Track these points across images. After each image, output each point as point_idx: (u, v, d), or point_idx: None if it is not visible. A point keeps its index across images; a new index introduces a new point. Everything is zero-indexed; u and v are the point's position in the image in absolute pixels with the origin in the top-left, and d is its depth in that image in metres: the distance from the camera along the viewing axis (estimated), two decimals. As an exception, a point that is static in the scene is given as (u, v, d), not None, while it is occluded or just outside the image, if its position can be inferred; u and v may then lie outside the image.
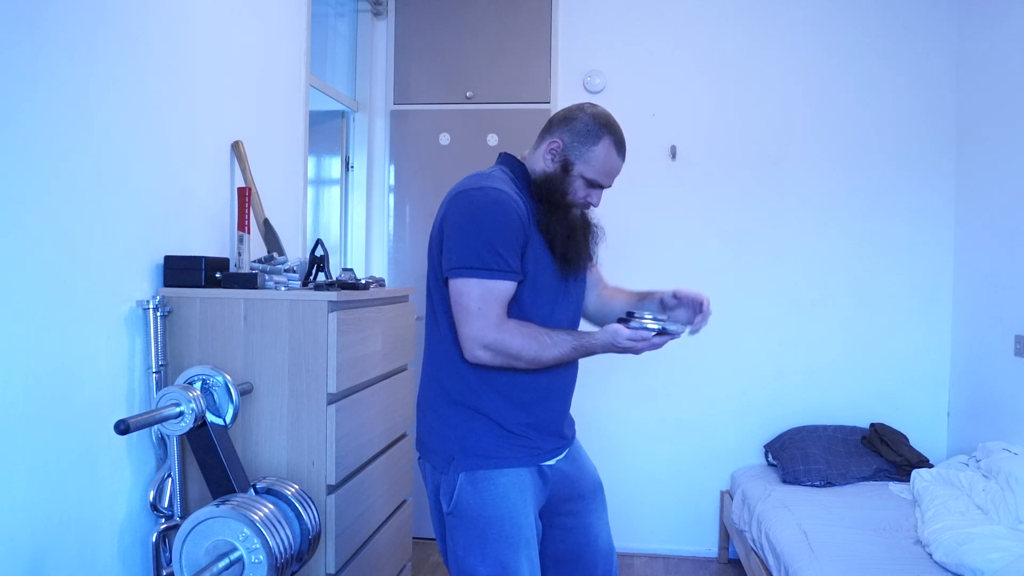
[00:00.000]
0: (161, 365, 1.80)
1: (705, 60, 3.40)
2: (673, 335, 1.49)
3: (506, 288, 1.53)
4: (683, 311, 1.67)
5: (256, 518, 1.52)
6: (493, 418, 1.59)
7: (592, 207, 1.64)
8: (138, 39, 1.78)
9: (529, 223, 1.56)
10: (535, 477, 1.63)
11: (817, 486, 2.99)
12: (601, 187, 1.62)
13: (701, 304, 1.63)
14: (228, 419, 1.67)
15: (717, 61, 3.40)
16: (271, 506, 1.59)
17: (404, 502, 2.42)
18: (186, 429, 1.58)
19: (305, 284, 2.14)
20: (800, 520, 2.59)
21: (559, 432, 1.68)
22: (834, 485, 3.00)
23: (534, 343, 1.53)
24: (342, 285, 1.98)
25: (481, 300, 1.51)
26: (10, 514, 1.45)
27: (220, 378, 1.67)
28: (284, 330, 1.81)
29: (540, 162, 1.62)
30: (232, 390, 1.67)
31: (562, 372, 1.66)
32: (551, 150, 1.60)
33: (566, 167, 1.59)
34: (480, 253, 1.50)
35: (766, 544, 2.59)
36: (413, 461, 2.49)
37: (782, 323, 3.40)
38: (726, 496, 3.32)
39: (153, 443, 1.83)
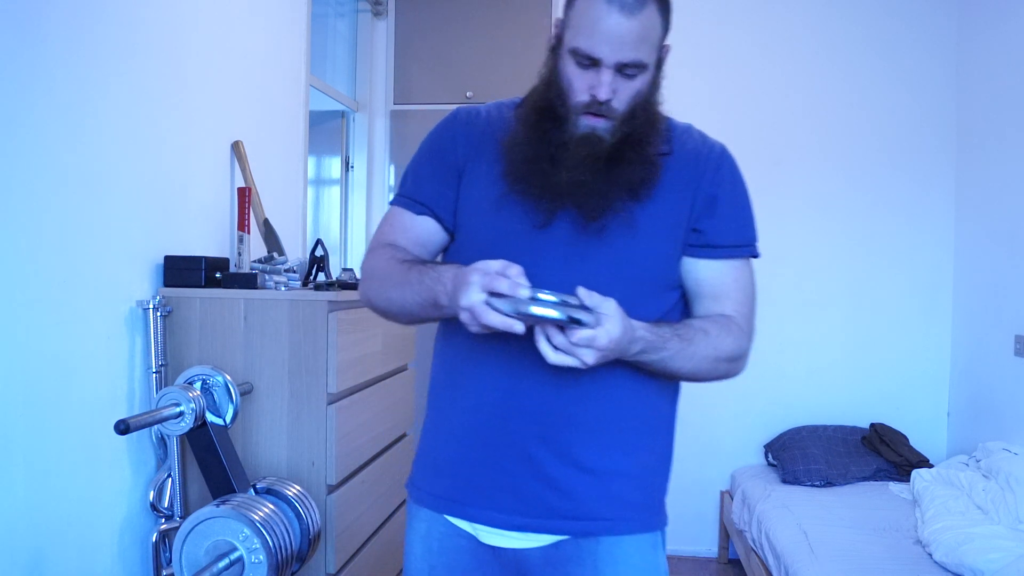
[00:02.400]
0: (161, 365, 1.80)
1: (704, 60, 3.40)
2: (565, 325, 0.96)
3: (399, 216, 1.19)
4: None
5: (256, 518, 1.52)
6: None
7: (598, 101, 1.05)
8: (138, 39, 1.78)
9: (485, 141, 1.16)
10: (457, 545, 1.16)
11: (817, 486, 2.99)
12: (596, 62, 1.04)
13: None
14: (228, 419, 1.67)
15: (716, 61, 3.40)
16: (271, 506, 1.59)
17: (404, 502, 2.42)
18: (186, 429, 1.58)
19: (305, 284, 2.14)
20: (800, 520, 2.59)
21: (513, 490, 1.11)
22: (834, 485, 3.00)
23: (386, 265, 1.13)
24: (342, 285, 1.98)
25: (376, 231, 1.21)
26: (10, 514, 1.45)
27: (220, 378, 1.67)
28: (284, 330, 1.81)
29: None
30: (232, 390, 1.67)
31: (523, 382, 1.10)
32: (550, 39, 1.14)
33: (556, 49, 1.11)
34: (400, 180, 1.23)
35: (766, 544, 2.59)
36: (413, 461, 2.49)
37: (782, 323, 3.40)
38: (726, 496, 3.32)
39: (153, 443, 1.83)
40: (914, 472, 2.84)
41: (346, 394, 1.92)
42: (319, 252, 2.20)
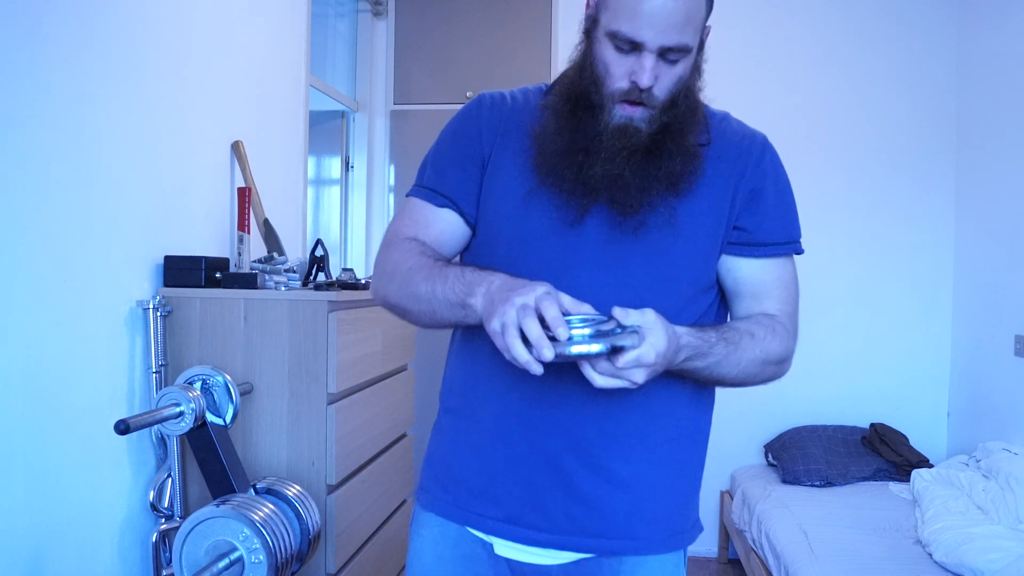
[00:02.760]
0: (161, 365, 1.80)
1: (704, 60, 3.39)
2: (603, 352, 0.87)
3: (419, 208, 1.11)
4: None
5: (256, 518, 1.52)
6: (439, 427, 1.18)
7: (640, 88, 0.97)
8: (138, 39, 1.78)
9: (511, 129, 1.09)
10: (472, 553, 1.10)
11: (817, 486, 2.99)
12: (638, 45, 0.95)
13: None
14: (228, 419, 1.67)
15: (716, 62, 3.38)
16: (271, 506, 1.59)
17: (404, 502, 2.42)
18: (186, 429, 1.58)
19: (305, 284, 2.14)
20: (800, 520, 2.59)
21: (538, 505, 1.05)
22: (834, 485, 3.00)
23: (413, 260, 1.04)
24: (342, 285, 1.98)
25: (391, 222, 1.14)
26: (10, 514, 1.45)
27: (220, 378, 1.67)
28: (284, 330, 1.81)
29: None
30: (232, 390, 1.67)
31: (554, 392, 1.03)
32: (583, 20, 1.06)
33: (591, 31, 1.02)
34: (419, 170, 1.17)
35: (766, 544, 2.59)
36: (413, 461, 2.49)
37: (782, 323, 3.39)
38: (726, 496, 3.32)
39: (153, 443, 1.83)
40: (914, 472, 2.84)
41: (346, 394, 1.92)
42: (319, 252, 2.20)
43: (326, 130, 3.47)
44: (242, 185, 2.19)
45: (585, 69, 1.02)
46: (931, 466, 3.01)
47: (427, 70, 3.57)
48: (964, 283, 3.26)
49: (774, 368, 1.07)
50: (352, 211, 3.58)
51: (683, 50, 0.98)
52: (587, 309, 0.89)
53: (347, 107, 3.47)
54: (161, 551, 1.77)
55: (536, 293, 0.87)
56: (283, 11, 2.55)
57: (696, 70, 1.04)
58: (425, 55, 3.57)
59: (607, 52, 0.99)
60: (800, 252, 1.14)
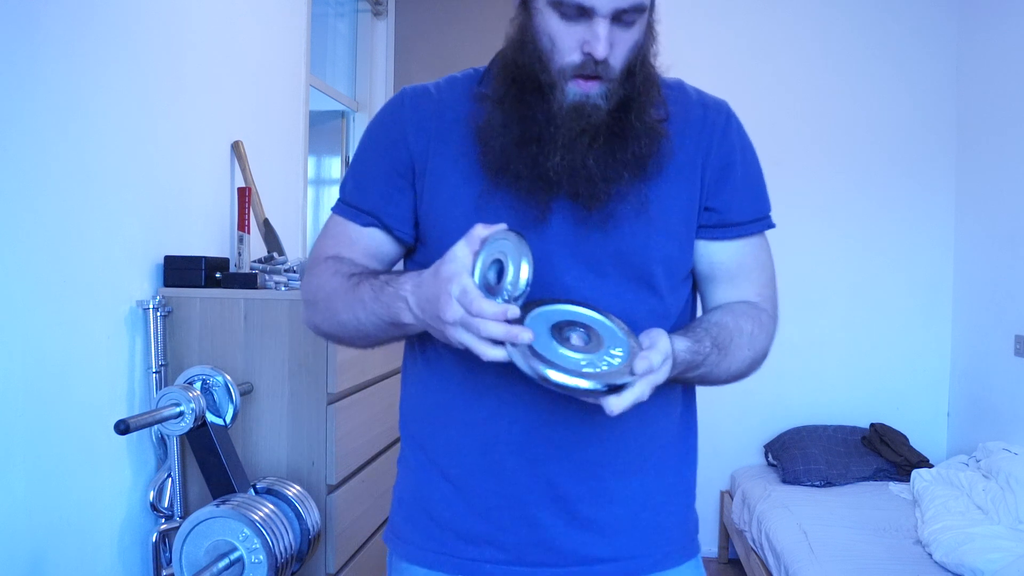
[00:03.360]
0: (161, 365, 1.80)
1: (704, 61, 3.39)
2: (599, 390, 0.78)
3: (341, 227, 1.01)
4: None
5: (256, 518, 1.52)
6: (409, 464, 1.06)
7: (596, 60, 0.85)
8: (137, 39, 1.78)
9: (445, 127, 0.97)
10: None
11: (817, 486, 2.99)
12: (587, 11, 0.84)
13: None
14: (228, 419, 1.67)
15: (716, 62, 3.40)
16: (271, 506, 1.59)
17: (404, 502, 2.42)
18: (186, 429, 1.58)
19: (305, 284, 2.14)
20: (800, 520, 2.59)
21: (542, 541, 0.96)
22: (834, 485, 3.00)
23: (331, 283, 0.95)
24: (342, 285, 1.97)
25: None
26: (10, 514, 1.45)
27: (220, 378, 1.67)
28: (284, 330, 1.81)
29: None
30: (232, 390, 1.67)
31: (546, 410, 0.93)
32: None
33: (528, 1, 0.89)
34: (342, 181, 1.06)
35: (766, 544, 2.59)
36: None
37: (783, 323, 3.37)
38: (726, 496, 3.32)
39: (153, 443, 1.83)
40: (914, 472, 2.84)
41: (346, 394, 1.92)
42: (319, 252, 2.20)
43: (326, 130, 3.47)
44: (242, 185, 2.19)
45: (526, 45, 0.88)
46: (931, 466, 3.01)
47: (427, 70, 3.57)
48: (964, 283, 3.26)
49: (761, 362, 1.00)
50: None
51: (638, 10, 0.85)
52: (487, 232, 0.80)
53: (347, 107, 3.47)
54: (161, 551, 1.77)
55: (451, 310, 0.78)
56: (283, 11, 2.55)
57: (650, 32, 0.90)
58: (425, 55, 3.57)
59: (551, 22, 0.86)
60: (772, 227, 1.03)
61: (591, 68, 0.86)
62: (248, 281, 1.87)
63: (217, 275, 1.88)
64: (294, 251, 2.61)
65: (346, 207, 1.01)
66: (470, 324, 0.77)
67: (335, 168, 3.55)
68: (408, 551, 1.03)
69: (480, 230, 0.80)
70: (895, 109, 3.35)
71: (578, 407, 0.92)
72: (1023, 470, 2.46)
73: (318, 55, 3.16)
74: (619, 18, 0.85)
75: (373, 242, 1.00)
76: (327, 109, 3.41)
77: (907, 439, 3.21)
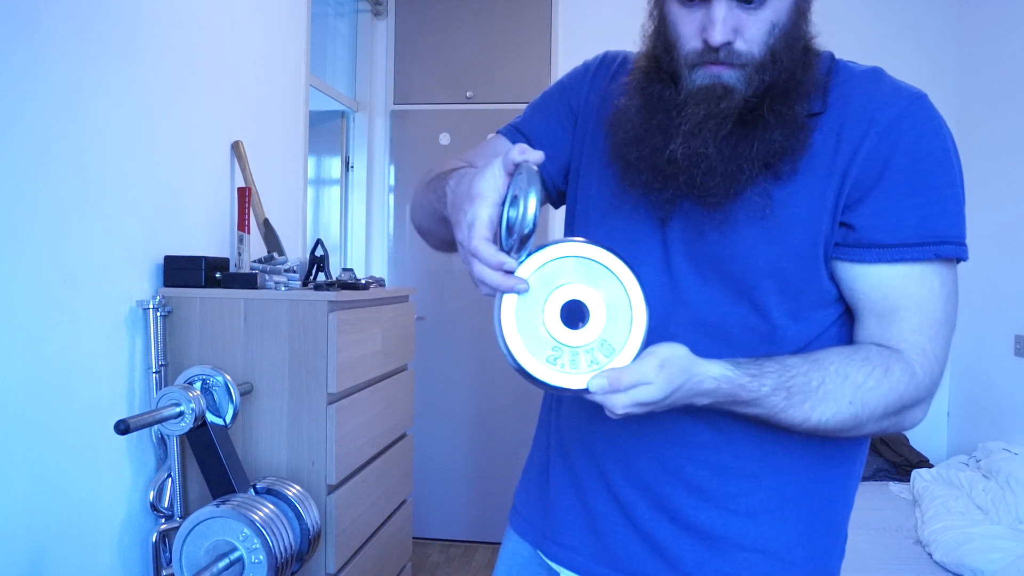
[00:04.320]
0: (161, 365, 1.80)
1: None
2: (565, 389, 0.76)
3: (492, 141, 1.00)
4: None
5: (256, 518, 1.52)
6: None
7: (712, 47, 0.78)
8: (137, 39, 1.78)
9: (600, 105, 0.95)
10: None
11: (817, 486, 2.99)
12: None
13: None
14: (228, 419, 1.67)
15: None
16: (271, 506, 1.59)
17: (404, 502, 2.42)
18: (186, 429, 1.58)
19: (305, 284, 2.14)
20: (800, 520, 2.59)
21: (605, 537, 0.93)
22: (834, 485, 2.99)
23: (428, 177, 0.96)
24: (342, 285, 1.98)
25: None
26: (10, 514, 1.45)
27: (220, 378, 1.67)
28: (284, 330, 1.81)
29: None
30: (232, 390, 1.67)
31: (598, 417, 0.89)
32: None
33: None
34: None
35: (766, 544, 2.59)
36: (413, 461, 2.49)
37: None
38: (726, 496, 3.32)
39: (153, 443, 1.83)
40: (914, 472, 2.84)
41: (346, 394, 1.92)
42: (319, 252, 2.20)
43: (326, 130, 3.47)
44: (242, 185, 2.19)
45: (656, 35, 0.85)
46: (931, 466, 3.01)
47: (427, 70, 3.57)
48: (964, 283, 3.25)
49: (885, 422, 0.82)
50: (352, 211, 3.58)
51: None
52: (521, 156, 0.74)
53: (347, 107, 3.47)
54: (161, 551, 1.77)
55: (460, 233, 0.75)
56: (283, 11, 2.55)
57: (799, 13, 0.81)
58: (425, 55, 3.57)
59: (673, 9, 0.81)
60: (956, 257, 0.83)
61: (712, 55, 0.79)
62: (248, 281, 1.87)
63: (217, 275, 1.88)
64: (294, 251, 2.61)
65: (510, 127, 1.00)
66: (467, 257, 0.75)
67: (335, 168, 3.55)
68: (511, 515, 1.07)
69: (517, 155, 0.74)
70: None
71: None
72: (1023, 470, 2.46)
73: (318, 55, 3.16)
74: None
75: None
76: (327, 109, 3.41)
77: (907, 439, 3.21)
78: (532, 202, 0.72)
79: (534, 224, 0.73)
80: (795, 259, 0.82)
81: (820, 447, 0.89)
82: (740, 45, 0.78)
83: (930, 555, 2.26)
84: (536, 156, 0.74)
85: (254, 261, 2.03)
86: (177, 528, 1.60)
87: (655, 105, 0.83)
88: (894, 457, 3.11)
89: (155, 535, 1.76)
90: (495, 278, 0.73)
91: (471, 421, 3.55)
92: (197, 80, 2.03)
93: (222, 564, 1.47)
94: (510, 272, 0.74)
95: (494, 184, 0.74)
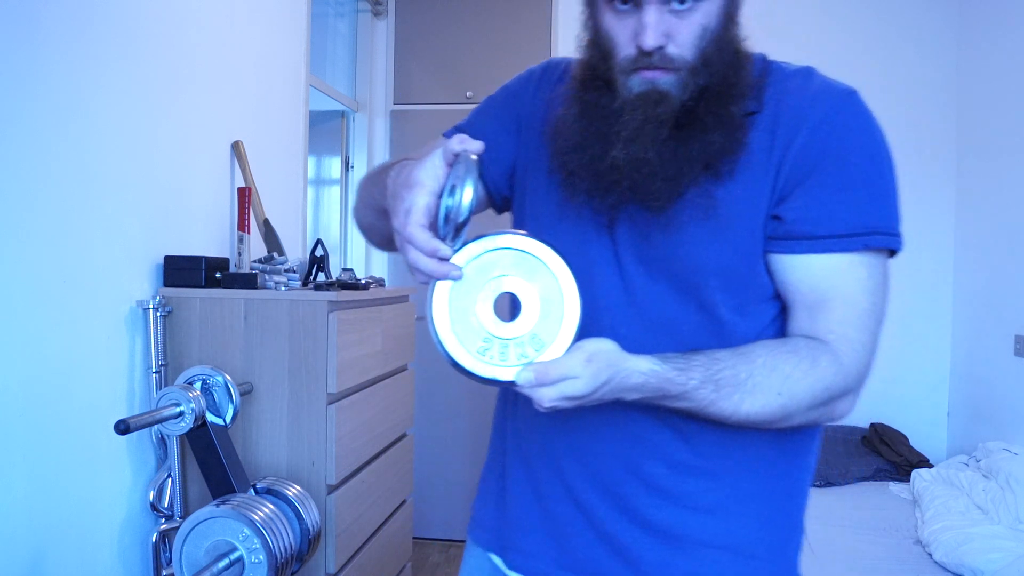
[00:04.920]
0: (161, 365, 1.80)
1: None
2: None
3: (437, 143, 0.95)
4: None
5: (256, 518, 1.52)
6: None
7: (645, 52, 0.79)
8: (137, 39, 1.78)
9: (541, 113, 0.96)
10: None
11: (817, 486, 2.99)
12: (636, 0, 0.80)
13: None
14: (228, 419, 1.67)
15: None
16: (271, 506, 1.59)
17: (404, 502, 2.42)
18: (186, 429, 1.58)
19: (305, 284, 2.14)
20: (800, 520, 2.59)
21: (565, 541, 0.94)
22: (834, 485, 3.00)
23: (377, 170, 0.97)
24: (342, 285, 1.98)
25: None
26: (10, 514, 1.45)
27: (220, 378, 1.67)
28: (284, 330, 1.81)
29: None
30: (232, 390, 1.67)
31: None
32: None
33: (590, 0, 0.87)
34: None
35: (766, 544, 2.59)
36: (413, 461, 2.49)
37: (782, 323, 3.39)
38: (726, 496, 3.32)
39: (153, 443, 1.83)
40: (914, 472, 2.84)
41: (346, 394, 1.92)
42: (319, 252, 2.20)
43: (326, 130, 3.47)
44: (242, 185, 2.19)
45: (591, 43, 0.86)
46: (931, 466, 3.01)
47: (427, 70, 3.57)
48: (964, 283, 3.26)
49: (814, 412, 0.83)
50: (352, 211, 3.58)
51: None
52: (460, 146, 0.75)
53: (347, 107, 3.47)
54: (161, 551, 1.77)
55: (397, 219, 0.75)
56: (283, 11, 2.55)
57: (729, 17, 0.84)
58: (425, 55, 3.57)
59: (607, 18, 0.82)
60: (889, 248, 0.87)
61: (645, 60, 0.80)
62: (248, 281, 1.87)
63: (217, 275, 1.88)
64: (294, 251, 2.61)
65: (451, 129, 1.01)
66: (402, 244, 0.76)
67: (335, 168, 3.55)
68: (469, 525, 1.08)
69: (456, 144, 0.75)
70: (895, 110, 3.35)
71: (605, 413, 0.87)
72: (1023, 470, 2.46)
73: (318, 55, 3.16)
74: (672, 3, 0.79)
75: None
76: (327, 109, 3.41)
77: (907, 439, 3.21)
78: (468, 191, 0.73)
79: (469, 213, 0.73)
80: (738, 255, 0.84)
81: (777, 442, 0.89)
82: (672, 49, 0.80)
83: (930, 555, 2.26)
84: (475, 146, 0.75)
85: (254, 261, 2.03)
86: (177, 528, 1.60)
87: (593, 113, 0.85)
88: (894, 457, 3.11)
89: (155, 535, 1.76)
90: (429, 264, 0.74)
91: (471, 421, 3.55)
92: (197, 80, 2.03)
93: (222, 564, 1.47)
94: (444, 259, 0.75)
95: (433, 173, 0.75)
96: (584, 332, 0.78)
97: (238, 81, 2.26)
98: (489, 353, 0.76)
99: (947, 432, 3.36)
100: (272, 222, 2.24)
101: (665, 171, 0.81)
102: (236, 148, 2.22)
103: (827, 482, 3.00)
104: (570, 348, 0.76)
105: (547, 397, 0.74)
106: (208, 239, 2.10)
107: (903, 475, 3.04)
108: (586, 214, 0.88)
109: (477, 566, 1.05)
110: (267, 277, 1.93)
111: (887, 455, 3.12)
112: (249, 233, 2.12)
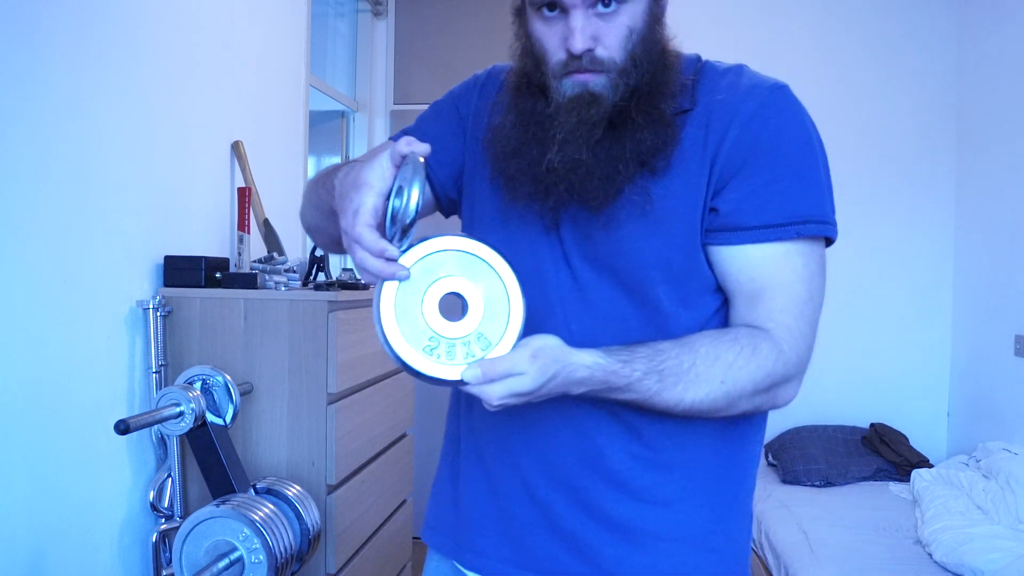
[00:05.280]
0: (161, 365, 1.80)
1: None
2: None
3: (385, 146, 0.94)
4: None
5: (256, 518, 1.52)
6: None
7: (574, 55, 0.82)
8: (138, 39, 1.78)
9: (481, 118, 0.99)
10: None
11: (817, 486, 2.99)
12: (561, 6, 0.83)
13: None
14: (228, 419, 1.67)
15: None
16: (271, 506, 1.59)
17: (404, 502, 2.42)
18: (186, 429, 1.58)
19: (305, 284, 2.14)
20: (800, 520, 2.59)
21: (523, 541, 0.94)
22: (834, 485, 3.00)
23: (317, 175, 0.98)
24: (342, 285, 1.98)
25: None
26: (10, 514, 1.45)
27: (220, 378, 1.67)
28: (284, 330, 1.81)
29: None
30: (232, 390, 1.67)
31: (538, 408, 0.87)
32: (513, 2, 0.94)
33: (521, 10, 0.91)
34: None
35: (766, 544, 2.59)
36: (413, 461, 2.49)
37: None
38: (726, 496, 3.32)
39: (153, 443, 1.83)
40: (914, 472, 2.84)
41: (346, 394, 1.92)
42: (319, 252, 2.20)
43: (326, 130, 3.47)
44: (242, 185, 2.19)
45: (523, 51, 0.89)
46: (931, 466, 3.01)
47: (427, 70, 3.57)
48: (964, 283, 3.26)
49: (753, 400, 0.85)
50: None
51: None
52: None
53: (347, 107, 3.47)
54: (161, 551, 1.77)
55: (345, 220, 0.76)
56: (283, 11, 2.55)
57: (654, 18, 0.85)
58: (425, 55, 3.57)
59: (536, 26, 0.85)
60: (823, 235, 0.87)
61: (575, 64, 0.82)
62: (248, 281, 1.87)
63: (217, 275, 1.88)
64: (294, 251, 2.61)
65: (398, 133, 1.01)
66: (350, 244, 0.77)
67: (335, 168, 3.55)
68: (424, 532, 1.07)
69: (403, 146, 0.77)
70: (895, 111, 3.35)
71: (567, 405, 0.89)
72: (1023, 470, 2.46)
73: (318, 55, 3.16)
74: (596, 6, 0.82)
75: None
76: (327, 109, 3.41)
77: (907, 439, 3.21)
78: (415, 192, 0.74)
79: (416, 214, 0.74)
80: (677, 249, 0.87)
81: (724, 430, 0.92)
82: (601, 52, 0.82)
83: (930, 555, 2.26)
84: (422, 148, 0.77)
85: (254, 261, 2.03)
86: (177, 528, 1.60)
87: (528, 119, 0.87)
88: (894, 457, 3.11)
89: (155, 535, 1.76)
90: (376, 264, 0.75)
91: (471, 421, 3.55)
92: (197, 80, 2.03)
93: (222, 564, 1.47)
94: (392, 260, 0.76)
95: (380, 174, 0.76)
96: (537, 328, 0.80)
97: (238, 81, 2.26)
98: (436, 352, 0.77)
99: (947, 432, 3.36)
100: (272, 222, 2.25)
101: (601, 171, 0.83)
102: (236, 148, 2.22)
103: (827, 482, 3.00)
104: (515, 346, 0.77)
105: (495, 395, 0.75)
106: (208, 239, 2.10)
107: (903, 475, 3.04)
108: (529, 217, 0.90)
109: (436, 570, 1.05)
110: (267, 277, 1.93)
111: (887, 455, 3.12)
112: (249, 233, 2.12)
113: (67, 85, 1.56)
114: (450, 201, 1.04)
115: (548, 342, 0.78)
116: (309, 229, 1.04)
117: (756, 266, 0.86)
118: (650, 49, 0.85)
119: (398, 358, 0.76)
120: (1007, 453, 2.63)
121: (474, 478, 0.98)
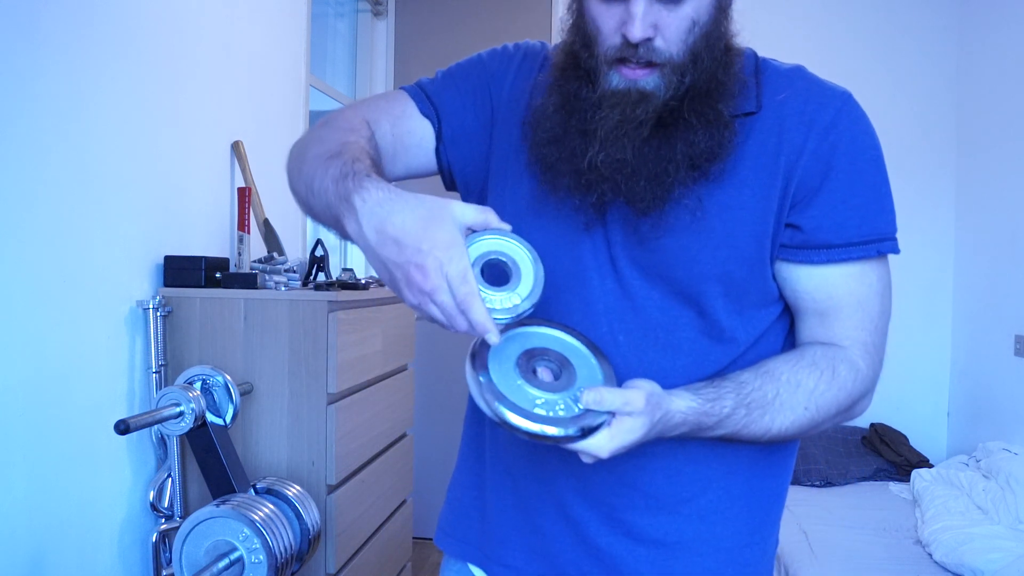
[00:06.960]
0: (161, 365, 1.80)
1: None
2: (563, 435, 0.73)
3: (399, 100, 0.94)
4: None
5: (256, 518, 1.52)
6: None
7: (631, 43, 0.75)
8: (137, 39, 1.78)
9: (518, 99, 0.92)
10: None
11: (817, 486, 2.99)
12: None
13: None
14: (228, 419, 1.67)
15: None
16: (271, 506, 1.59)
17: (404, 502, 2.42)
18: (186, 429, 1.58)
19: (305, 284, 2.14)
20: (800, 520, 2.59)
21: (552, 554, 0.92)
22: (834, 485, 3.00)
23: (330, 134, 0.88)
24: (342, 285, 1.98)
25: None
26: (10, 514, 1.45)
27: (220, 378, 1.67)
28: (284, 330, 1.81)
29: None
30: (232, 390, 1.67)
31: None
32: None
33: None
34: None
35: (766, 544, 2.59)
36: (413, 461, 2.49)
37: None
38: (726, 496, 3.32)
39: (153, 443, 1.83)
40: (914, 472, 2.84)
41: (346, 394, 1.92)
42: (319, 252, 2.20)
43: (326, 130, 3.47)
44: (242, 185, 2.19)
45: (577, 29, 0.82)
46: (931, 466, 3.01)
47: (427, 70, 3.56)
48: (964, 283, 3.26)
49: (838, 418, 0.85)
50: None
51: None
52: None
53: (347, 107, 3.47)
54: (161, 551, 1.77)
55: (433, 282, 0.67)
56: (283, 11, 2.55)
57: (720, 11, 0.79)
58: (425, 55, 3.57)
59: (592, 4, 0.78)
60: (893, 252, 0.87)
61: (631, 52, 0.76)
62: (248, 281, 1.87)
63: (217, 275, 1.88)
64: (294, 251, 2.61)
65: (419, 90, 0.94)
66: (447, 309, 0.69)
67: (335, 168, 3.55)
68: (442, 539, 1.04)
69: (493, 219, 0.72)
70: (895, 111, 3.35)
71: None
72: (1023, 470, 2.46)
73: (318, 55, 3.16)
74: None
75: (415, 136, 0.91)
76: (327, 109, 3.41)
77: (907, 439, 3.21)
78: (540, 285, 0.73)
79: (533, 306, 0.74)
80: (741, 262, 0.82)
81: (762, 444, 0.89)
82: (659, 43, 0.76)
83: (930, 555, 2.26)
84: (506, 228, 0.74)
85: (254, 261, 2.03)
86: (177, 528, 1.60)
87: (572, 104, 0.81)
88: (894, 457, 3.11)
89: (155, 535, 1.76)
90: (469, 329, 0.70)
91: (471, 421, 3.55)
92: (197, 80, 2.03)
93: (222, 564, 1.47)
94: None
95: (461, 236, 0.71)
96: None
97: (238, 81, 2.26)
98: (550, 408, 0.74)
99: (947, 432, 3.36)
100: (272, 222, 2.25)
101: (648, 171, 0.78)
102: (236, 148, 2.22)
103: (827, 482, 3.00)
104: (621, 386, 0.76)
105: (606, 448, 0.72)
106: (208, 239, 2.10)
107: (903, 475, 3.04)
108: (566, 210, 0.84)
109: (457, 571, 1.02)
110: (267, 277, 1.93)
111: (887, 455, 3.12)
112: (249, 233, 2.12)
113: (67, 85, 1.56)
114: (450, 172, 0.97)
115: (654, 388, 0.75)
116: (298, 199, 0.94)
117: (834, 284, 0.83)
118: (713, 45, 0.79)
119: (525, 431, 0.72)
120: (1007, 453, 2.63)
121: (502, 490, 0.95)
